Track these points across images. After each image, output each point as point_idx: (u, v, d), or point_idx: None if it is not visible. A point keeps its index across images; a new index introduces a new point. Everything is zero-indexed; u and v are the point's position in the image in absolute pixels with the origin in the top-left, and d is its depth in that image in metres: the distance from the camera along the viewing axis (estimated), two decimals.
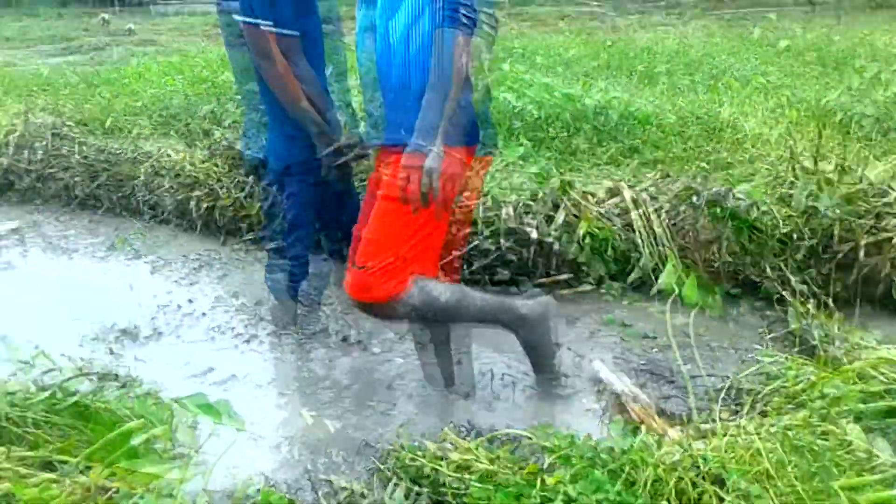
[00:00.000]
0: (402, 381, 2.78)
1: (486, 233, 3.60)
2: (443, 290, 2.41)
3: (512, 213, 3.69)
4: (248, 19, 2.70)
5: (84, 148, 5.40)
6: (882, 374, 2.50)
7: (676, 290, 2.85)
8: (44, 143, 5.50)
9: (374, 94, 2.41)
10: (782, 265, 3.24)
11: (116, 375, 2.62)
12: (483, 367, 2.80)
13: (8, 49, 20.44)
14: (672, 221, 3.54)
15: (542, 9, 28.20)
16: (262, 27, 2.69)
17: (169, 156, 5.00)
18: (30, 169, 5.43)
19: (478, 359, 2.84)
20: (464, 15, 2.13)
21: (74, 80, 8.58)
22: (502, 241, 3.57)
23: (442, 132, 2.14)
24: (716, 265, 3.39)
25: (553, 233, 3.58)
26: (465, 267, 3.59)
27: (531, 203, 3.75)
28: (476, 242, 3.56)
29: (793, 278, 3.16)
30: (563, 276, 3.56)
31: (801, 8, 23.29)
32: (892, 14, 17.83)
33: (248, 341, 3.17)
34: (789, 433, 1.92)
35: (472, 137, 2.33)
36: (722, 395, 2.38)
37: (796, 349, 2.73)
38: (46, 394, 2.22)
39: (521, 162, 4.63)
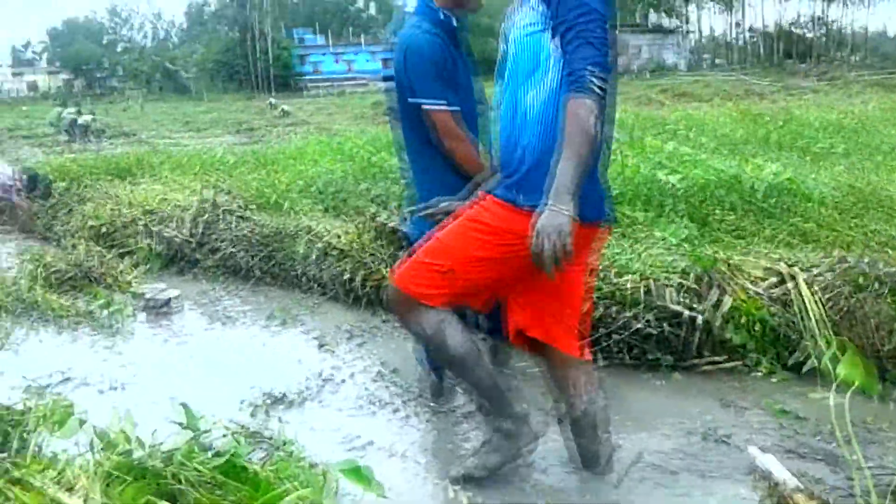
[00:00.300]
0: (546, 459, 2.77)
1: (648, 317, 3.56)
2: (459, 342, 2.42)
3: (675, 295, 3.63)
4: (431, 103, 2.87)
5: (249, 223, 5.91)
6: None
7: (856, 382, 2.68)
8: (215, 218, 6.07)
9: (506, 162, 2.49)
10: None
11: (271, 439, 2.79)
12: (632, 447, 2.75)
13: (185, 132, 22.71)
14: (849, 308, 3.35)
15: (695, 85, 27.75)
16: (446, 109, 2.86)
17: (326, 230, 5.35)
18: (201, 242, 6.00)
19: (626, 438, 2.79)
20: (593, 80, 2.17)
21: (242, 160, 9.33)
22: (666, 325, 3.52)
23: (573, 200, 2.13)
24: (885, 350, 3.17)
25: (719, 317, 3.49)
26: (625, 351, 3.57)
27: (695, 286, 3.68)
28: (638, 326, 3.54)
29: None
30: (729, 364, 3.45)
31: None
32: None
33: (396, 411, 3.28)
34: None
35: (600, 212, 2.37)
36: (892, 489, 2.20)
37: None
38: (221, 459, 2.38)
39: (684, 245, 4.57)
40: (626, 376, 3.51)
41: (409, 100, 2.92)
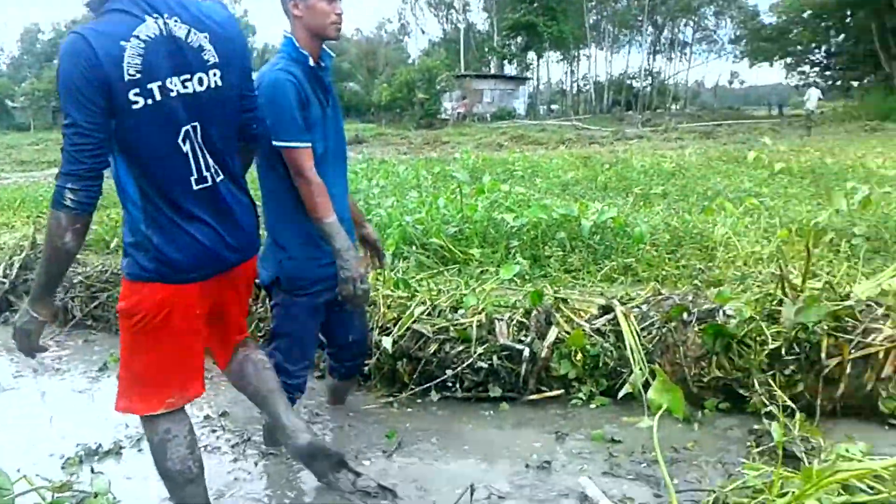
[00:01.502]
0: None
1: (480, 350, 3.66)
2: (177, 459, 2.43)
3: (505, 329, 3.76)
4: (284, 141, 2.81)
5: (85, 268, 5.53)
6: (867, 485, 2.50)
7: (664, 405, 2.88)
8: (34, 258, 5.68)
9: None
10: (770, 380, 3.27)
11: (82, 491, 2.64)
12: (463, 477, 2.80)
13: (9, 164, 21.07)
14: (662, 337, 3.59)
15: (534, 130, 29.13)
16: (298, 146, 2.81)
17: None
18: (15, 284, 5.59)
19: (458, 469, 2.84)
20: (64, 192, 2.13)
21: None
22: (494, 358, 3.63)
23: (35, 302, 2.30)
24: (706, 380, 3.42)
25: (545, 349, 3.64)
26: (458, 384, 3.65)
27: (524, 320, 3.83)
28: (470, 360, 3.63)
29: (780, 392, 3.19)
30: (555, 393, 3.60)
31: (795, 131, 24.02)
32: (887, 136, 18.32)
33: (235, 460, 3.18)
34: None
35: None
36: None
37: (782, 462, 2.72)
38: None
39: (516, 280, 4.75)
40: (459, 409, 3.58)
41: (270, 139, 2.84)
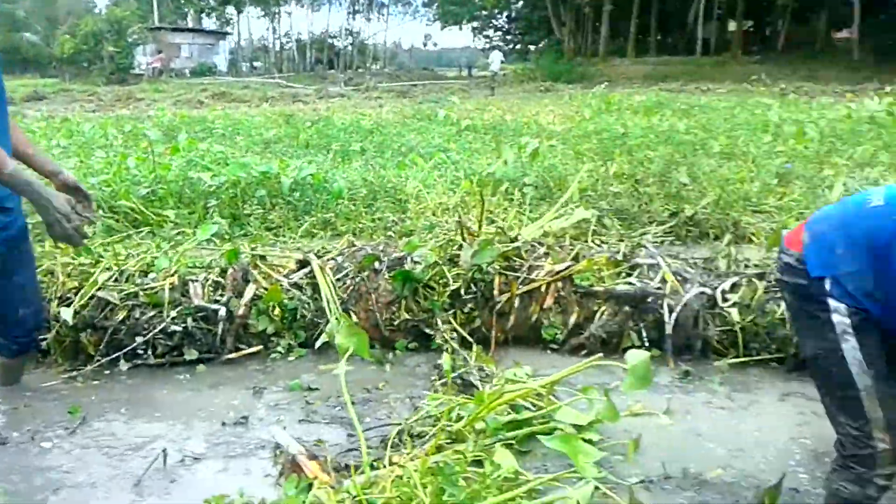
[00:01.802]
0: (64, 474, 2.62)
1: (173, 314, 3.55)
2: None
3: (200, 290, 3.68)
4: None
5: None
6: (531, 402, 2.86)
7: (351, 349, 3.02)
8: None
9: None
10: (451, 318, 3.59)
11: None
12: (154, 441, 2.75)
13: None
14: (356, 287, 3.75)
15: (236, 87, 28.33)
16: None
17: None
18: None
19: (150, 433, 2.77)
20: None
21: None
22: (189, 320, 3.54)
23: None
24: (396, 323, 3.65)
25: (242, 307, 3.63)
26: (150, 351, 3.51)
27: (221, 280, 3.77)
28: (162, 325, 3.50)
29: (459, 329, 3.51)
30: (254, 349, 3.61)
31: (482, 91, 25.90)
32: (557, 96, 20.35)
33: None
34: (445, 466, 2.13)
35: None
36: (392, 440, 2.56)
37: (461, 390, 3.02)
38: None
39: (215, 240, 4.64)
40: (151, 375, 3.45)
41: None
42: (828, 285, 2.09)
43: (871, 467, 2.15)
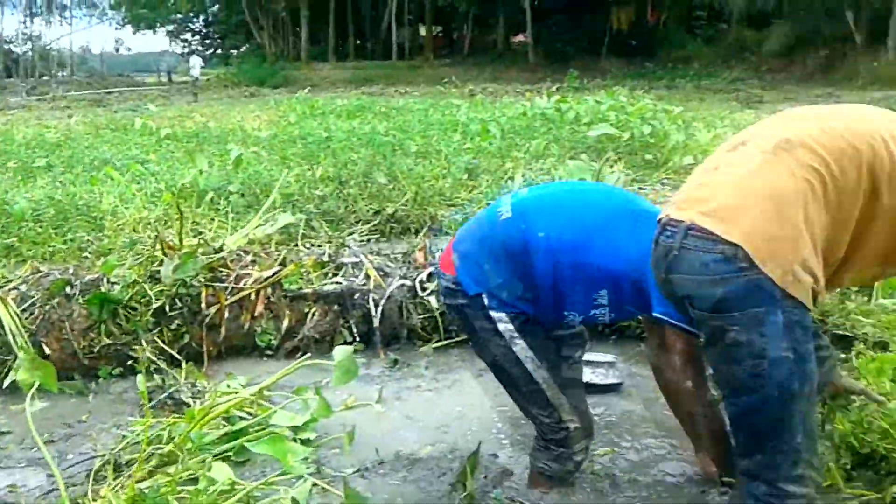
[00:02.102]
0: None
1: None
2: None
3: None
4: None
5: None
6: (246, 411, 2.87)
7: (36, 383, 2.79)
8: None
9: None
10: (157, 337, 3.46)
11: None
12: None
13: None
14: (46, 315, 3.47)
15: None
16: None
17: None
18: None
19: None
20: None
21: None
22: None
23: None
24: (97, 349, 3.44)
25: None
26: None
27: None
28: None
29: (166, 347, 3.41)
30: None
31: (184, 97, 24.83)
32: (263, 101, 20.12)
33: None
34: (150, 489, 2.08)
35: None
36: (96, 473, 2.44)
37: (173, 410, 2.94)
38: None
39: None
40: None
41: None
42: (486, 300, 2.32)
43: (568, 446, 2.46)
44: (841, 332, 3.33)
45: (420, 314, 3.82)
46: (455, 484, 2.60)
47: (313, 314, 3.73)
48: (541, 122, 7.79)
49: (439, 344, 3.80)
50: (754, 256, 1.72)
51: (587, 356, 3.12)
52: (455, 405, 3.31)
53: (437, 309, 3.81)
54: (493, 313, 2.33)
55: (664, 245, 1.88)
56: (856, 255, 1.85)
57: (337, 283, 3.82)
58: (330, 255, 4.06)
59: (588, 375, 3.22)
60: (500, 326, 2.33)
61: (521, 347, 2.34)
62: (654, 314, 2.18)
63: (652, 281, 2.05)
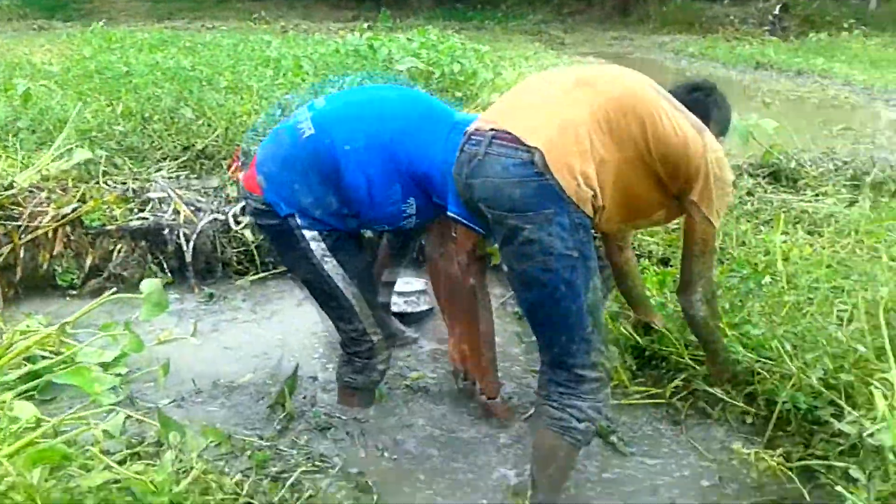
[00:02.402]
0: None
1: None
2: None
3: None
4: None
5: None
6: (50, 351, 2.75)
7: None
8: None
9: None
10: None
11: None
12: None
13: None
14: None
15: None
16: None
17: None
18: None
19: None
20: None
21: None
22: None
23: None
24: None
25: None
26: None
27: None
28: None
29: None
30: None
31: None
32: (55, 34, 18.46)
33: None
34: None
35: None
36: None
37: None
38: None
39: None
40: None
41: None
42: (298, 220, 2.35)
43: (371, 357, 2.58)
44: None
45: (235, 248, 3.78)
46: (274, 405, 2.67)
47: (119, 251, 3.59)
48: (354, 59, 7.71)
49: (256, 277, 3.80)
50: (550, 163, 1.92)
51: (398, 286, 3.27)
52: (275, 334, 3.34)
53: (253, 242, 3.79)
54: (305, 232, 2.36)
55: (469, 152, 2.04)
56: (609, 201, 2.08)
57: (144, 218, 3.69)
58: (135, 191, 3.89)
59: (401, 305, 3.37)
60: (313, 245, 2.37)
61: (332, 265, 2.40)
62: (450, 213, 2.28)
63: (451, 183, 2.18)
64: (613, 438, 2.54)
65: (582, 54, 13.64)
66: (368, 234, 2.80)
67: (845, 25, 15.77)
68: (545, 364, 2.15)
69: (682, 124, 2.12)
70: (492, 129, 2.02)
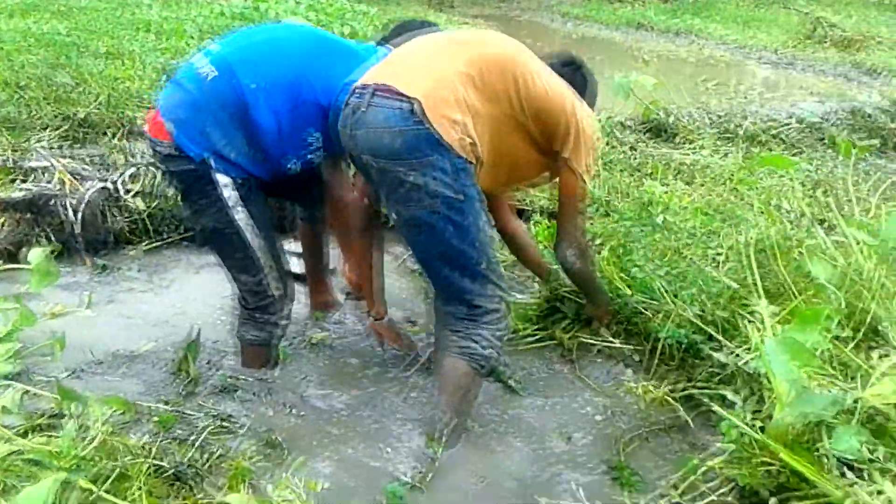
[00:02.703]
0: None
1: None
2: None
3: None
4: None
5: None
6: None
7: None
8: None
9: None
10: None
11: None
12: None
13: None
14: None
15: None
16: None
17: None
18: None
19: None
20: None
21: None
22: None
23: None
24: None
25: None
26: None
27: None
28: None
29: None
30: None
31: None
32: None
33: None
34: None
35: None
36: None
37: None
38: None
39: None
40: None
41: None
42: (213, 163, 2.34)
43: (272, 312, 2.60)
44: (521, 207, 3.81)
45: (126, 217, 3.69)
46: (177, 372, 2.66)
47: (3, 225, 3.44)
48: (240, 22, 7.53)
49: (150, 245, 3.72)
50: (428, 112, 2.04)
51: (294, 247, 3.29)
52: (174, 302, 3.31)
53: (145, 210, 3.71)
54: (219, 177, 2.35)
55: (353, 104, 2.14)
56: (486, 156, 2.20)
57: (26, 189, 3.54)
58: (14, 161, 3.73)
59: (297, 266, 3.38)
60: (225, 192, 2.38)
61: (243, 215, 2.42)
62: None
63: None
64: (511, 382, 2.68)
65: (471, 17, 13.71)
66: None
67: None
68: (443, 301, 2.27)
69: (553, 85, 2.25)
70: (374, 83, 2.11)
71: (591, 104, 2.61)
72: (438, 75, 2.11)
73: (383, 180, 2.15)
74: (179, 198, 2.60)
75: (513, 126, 2.22)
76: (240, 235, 2.44)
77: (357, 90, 2.15)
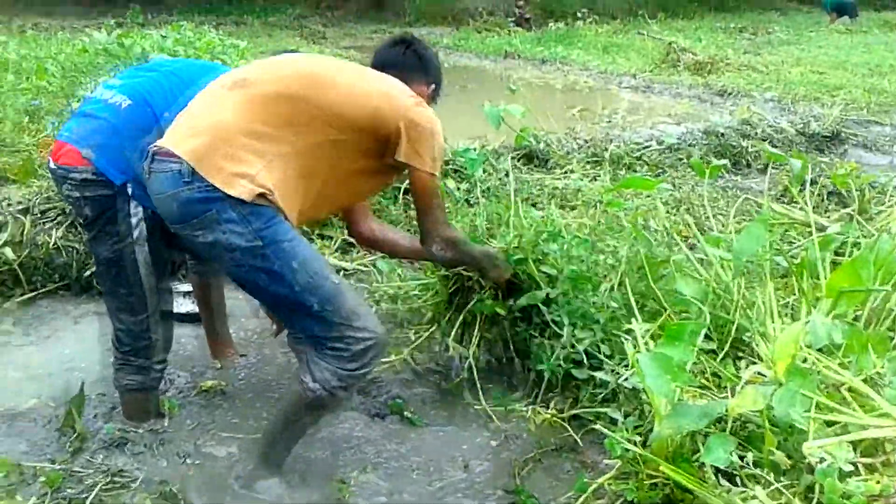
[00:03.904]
0: None
1: None
2: None
3: None
4: None
5: None
6: None
7: None
8: None
9: None
10: None
11: None
12: None
13: None
14: None
15: None
16: None
17: None
18: None
19: None
20: None
21: None
22: None
23: None
24: None
25: None
26: None
27: None
28: None
29: None
30: None
31: None
32: None
33: None
34: None
35: None
36: None
37: None
38: None
39: None
40: None
41: None
42: (130, 188, 2.32)
43: (149, 357, 2.55)
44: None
45: None
46: (63, 428, 2.57)
47: None
48: (104, 58, 7.27)
49: (25, 297, 3.56)
50: (198, 170, 1.97)
51: (183, 287, 3.24)
52: (55, 355, 3.17)
53: (15, 260, 3.54)
54: (132, 207, 2.34)
55: (144, 170, 2.10)
56: (322, 188, 2.16)
57: None
58: None
59: (188, 305, 3.34)
60: (133, 221, 2.36)
61: (143, 252, 2.40)
62: None
63: None
64: (408, 414, 2.74)
65: (343, 48, 13.79)
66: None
67: (579, 14, 17.21)
68: (307, 346, 2.16)
69: (366, 89, 2.15)
70: (154, 147, 2.07)
71: (438, 78, 2.51)
72: (214, 126, 2.04)
73: (192, 245, 2.12)
74: (84, 225, 2.52)
75: (339, 147, 2.11)
76: (135, 272, 2.41)
77: (144, 154, 2.09)
